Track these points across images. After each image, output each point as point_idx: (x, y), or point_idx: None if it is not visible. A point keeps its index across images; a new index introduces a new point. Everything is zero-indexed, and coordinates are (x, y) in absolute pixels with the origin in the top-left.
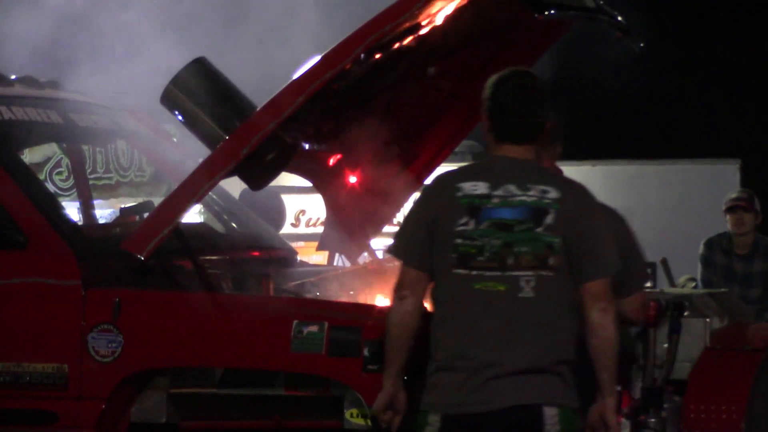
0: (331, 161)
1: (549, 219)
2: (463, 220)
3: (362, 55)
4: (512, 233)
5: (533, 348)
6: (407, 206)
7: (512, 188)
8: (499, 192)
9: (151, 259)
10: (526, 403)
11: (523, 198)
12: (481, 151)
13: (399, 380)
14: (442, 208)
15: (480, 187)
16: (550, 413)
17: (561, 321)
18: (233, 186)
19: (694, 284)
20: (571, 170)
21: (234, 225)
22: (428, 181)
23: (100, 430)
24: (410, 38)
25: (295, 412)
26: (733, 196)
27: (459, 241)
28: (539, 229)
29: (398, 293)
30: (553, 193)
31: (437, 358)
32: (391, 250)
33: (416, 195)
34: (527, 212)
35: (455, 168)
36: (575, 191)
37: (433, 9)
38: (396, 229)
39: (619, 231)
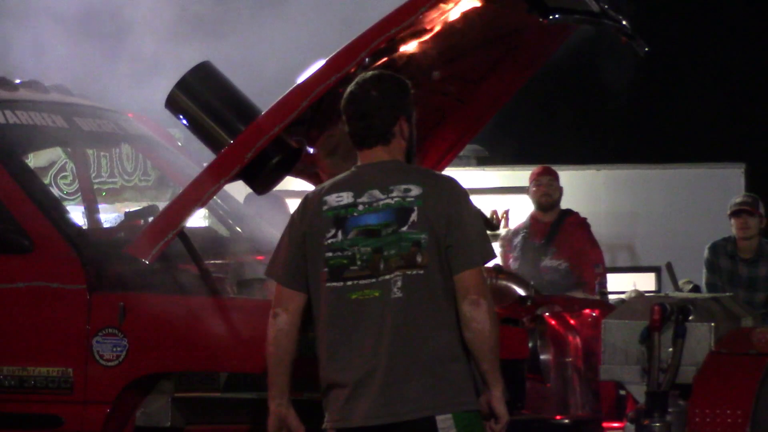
0: None
1: (413, 216)
2: (331, 233)
3: (367, 59)
4: (380, 238)
5: (410, 351)
6: None
7: (376, 193)
8: (363, 199)
9: (155, 263)
10: (413, 418)
11: (388, 201)
12: (486, 155)
13: (284, 401)
14: (310, 225)
15: (344, 198)
16: (442, 419)
17: (436, 319)
18: (238, 190)
19: (691, 286)
20: (575, 174)
21: (238, 229)
22: None
23: None
24: (416, 42)
25: (300, 416)
26: (738, 200)
27: (329, 254)
28: (404, 229)
29: (271, 311)
30: (415, 191)
31: (324, 376)
32: (265, 271)
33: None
34: (392, 214)
35: (323, 183)
36: (439, 184)
37: (438, 13)
38: None
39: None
